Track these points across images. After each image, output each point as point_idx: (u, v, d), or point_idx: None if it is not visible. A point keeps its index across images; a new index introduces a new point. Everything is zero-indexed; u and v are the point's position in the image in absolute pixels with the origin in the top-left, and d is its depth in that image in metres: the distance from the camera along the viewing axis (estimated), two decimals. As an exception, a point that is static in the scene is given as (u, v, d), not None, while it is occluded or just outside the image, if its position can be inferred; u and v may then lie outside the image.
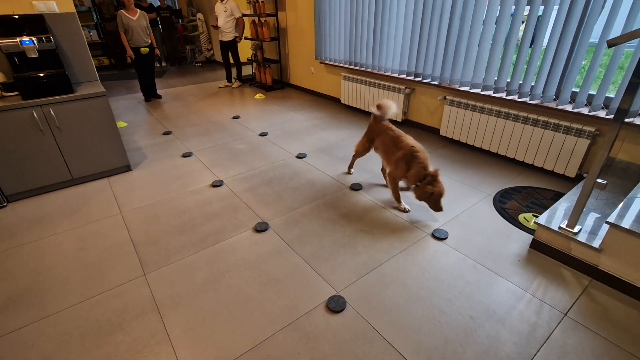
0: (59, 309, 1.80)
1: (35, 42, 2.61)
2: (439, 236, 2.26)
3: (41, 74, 2.63)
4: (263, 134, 4.09)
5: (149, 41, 5.05)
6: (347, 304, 1.78)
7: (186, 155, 3.56)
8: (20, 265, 2.10)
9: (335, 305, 1.77)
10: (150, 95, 5.63)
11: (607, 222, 1.77)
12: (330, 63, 5.00)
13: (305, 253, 2.16)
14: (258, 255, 2.14)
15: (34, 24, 2.70)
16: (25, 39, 2.58)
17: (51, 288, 1.93)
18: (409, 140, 2.47)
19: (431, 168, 2.33)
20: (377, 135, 2.71)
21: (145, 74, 5.33)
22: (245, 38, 6.09)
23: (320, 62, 5.19)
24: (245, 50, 6.72)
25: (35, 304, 1.83)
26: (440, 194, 2.28)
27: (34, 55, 2.63)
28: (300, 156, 3.48)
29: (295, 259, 2.11)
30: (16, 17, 2.64)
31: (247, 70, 7.06)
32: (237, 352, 1.55)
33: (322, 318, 1.71)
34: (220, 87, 6.38)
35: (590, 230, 1.98)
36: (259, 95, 5.76)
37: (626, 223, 1.74)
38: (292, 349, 1.56)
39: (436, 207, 2.33)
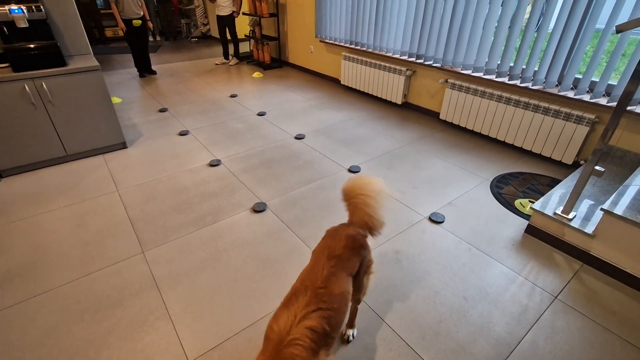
0: (58, 284, 1.81)
1: (25, 10, 2.50)
2: (435, 220, 2.28)
3: (32, 45, 2.53)
4: (261, 114, 4.03)
5: (141, 13, 4.86)
6: (344, 284, 1.82)
7: (183, 133, 3.51)
8: (17, 241, 2.09)
9: (333, 285, 1.80)
10: (145, 70, 5.47)
11: (602, 209, 1.80)
12: (331, 42, 4.87)
13: (303, 234, 2.17)
14: (256, 235, 2.15)
15: (23, -9, 2.57)
16: (14, 7, 2.46)
17: (49, 264, 1.93)
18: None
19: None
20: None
21: (139, 48, 5.17)
22: (243, 13, 5.89)
23: (320, 41, 5.06)
24: (242, 26, 6.51)
25: (34, 280, 1.83)
26: None
27: (24, 25, 2.52)
28: (299, 137, 3.45)
29: (294, 239, 2.13)
30: (3, -17, 2.51)
31: (244, 47, 6.87)
32: (236, 329, 1.59)
33: (320, 297, 1.74)
34: (216, 64, 6.22)
35: (584, 217, 2.01)
36: (256, 74, 5.64)
37: (620, 210, 1.76)
38: (290, 326, 1.60)
39: None
